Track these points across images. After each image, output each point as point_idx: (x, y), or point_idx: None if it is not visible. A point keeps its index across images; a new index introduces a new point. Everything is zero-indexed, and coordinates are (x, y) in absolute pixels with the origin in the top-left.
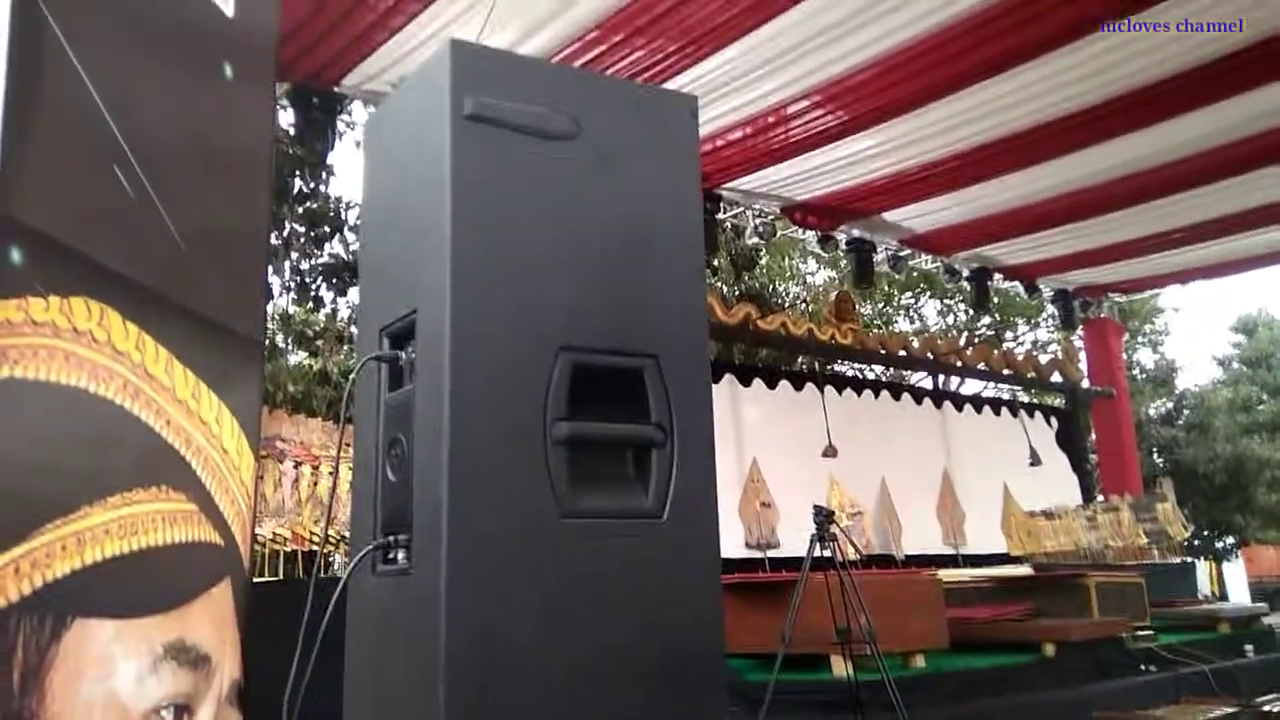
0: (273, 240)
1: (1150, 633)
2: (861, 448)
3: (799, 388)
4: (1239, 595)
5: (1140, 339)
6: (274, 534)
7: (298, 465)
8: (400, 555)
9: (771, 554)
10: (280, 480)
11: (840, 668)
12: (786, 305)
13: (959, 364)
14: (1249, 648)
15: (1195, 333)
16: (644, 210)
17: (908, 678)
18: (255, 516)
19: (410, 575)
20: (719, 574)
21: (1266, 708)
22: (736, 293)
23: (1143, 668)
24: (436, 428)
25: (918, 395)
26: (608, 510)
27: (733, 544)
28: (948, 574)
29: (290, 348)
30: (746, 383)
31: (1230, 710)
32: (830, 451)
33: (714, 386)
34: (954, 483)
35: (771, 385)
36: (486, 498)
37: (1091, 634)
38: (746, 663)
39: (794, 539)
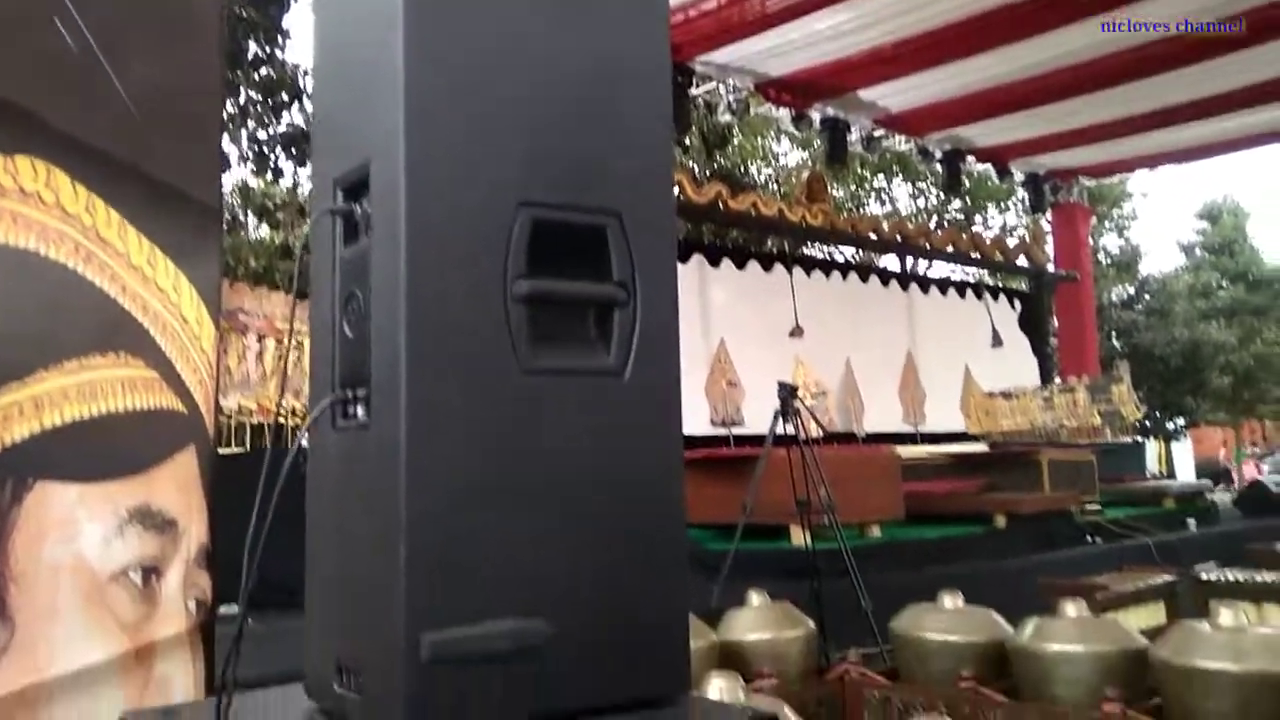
0: (228, 108)
1: (1098, 507)
2: (828, 329)
3: (768, 269)
4: (1185, 474)
5: (1107, 224)
6: (240, 406)
7: (261, 338)
8: (359, 410)
9: (736, 431)
10: (244, 353)
11: (799, 537)
12: (758, 187)
13: (928, 246)
14: (1191, 522)
15: (1161, 219)
16: (609, 60)
17: (864, 547)
18: (219, 386)
19: (369, 430)
20: (680, 430)
21: (1204, 576)
22: (707, 172)
23: (1088, 539)
24: (393, 281)
25: (885, 278)
26: (569, 368)
27: (698, 422)
28: (907, 451)
29: (251, 221)
30: (715, 263)
31: (1169, 578)
32: (797, 332)
33: (682, 267)
34: (917, 364)
35: (740, 266)
36: (445, 352)
37: (1041, 507)
38: (708, 533)
39: (758, 417)
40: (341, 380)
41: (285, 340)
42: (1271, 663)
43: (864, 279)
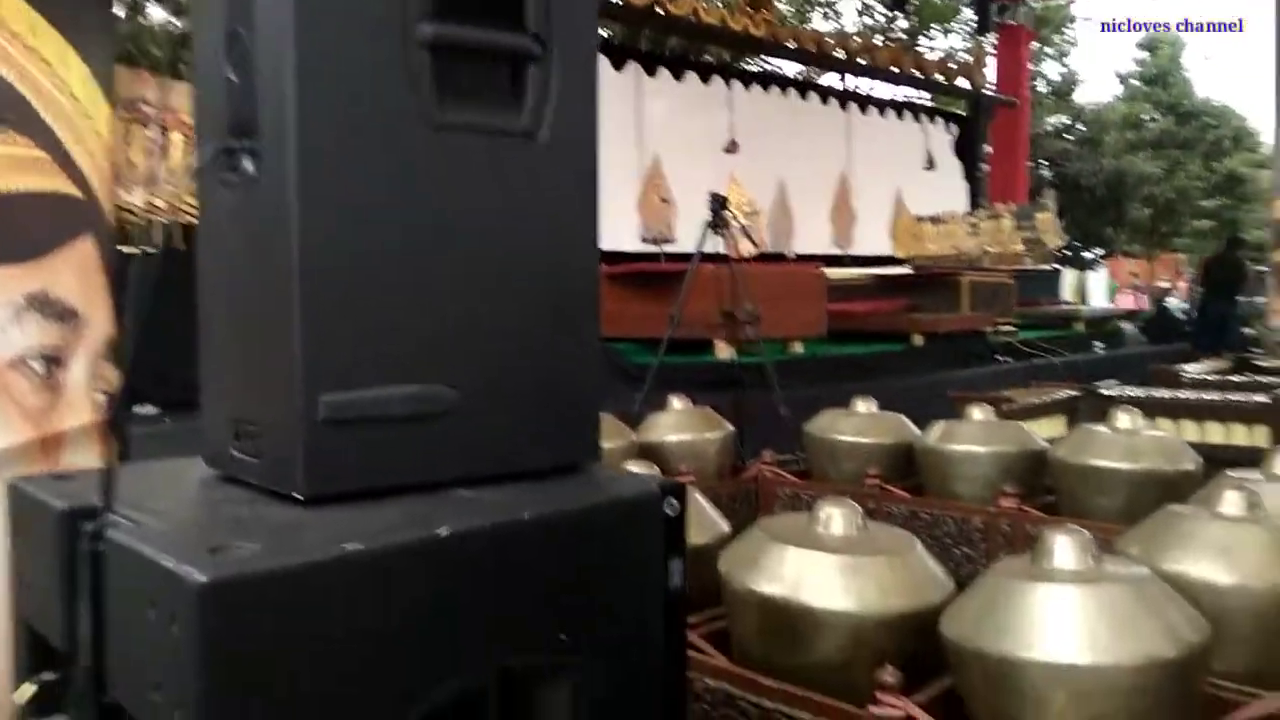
0: None
1: (1013, 328)
2: (764, 147)
3: (706, 81)
4: (1098, 302)
5: (1048, 50)
6: (147, 203)
7: (165, 131)
8: (247, 163)
9: (668, 249)
10: (149, 148)
11: (723, 351)
12: None
13: (870, 63)
14: (1099, 345)
15: (1101, 48)
16: None
17: (786, 361)
18: (117, 175)
19: (259, 183)
20: (596, 196)
21: (1104, 391)
22: None
23: (1000, 358)
24: (279, 17)
25: (825, 95)
26: (478, 125)
27: (629, 237)
28: (834, 272)
29: (151, 5)
30: (651, 72)
31: (1072, 393)
32: (733, 147)
33: (617, 75)
34: (850, 186)
35: (678, 77)
36: (340, 99)
37: (958, 327)
38: (633, 346)
39: (690, 234)
40: (229, 129)
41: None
42: (1160, 462)
43: (803, 95)
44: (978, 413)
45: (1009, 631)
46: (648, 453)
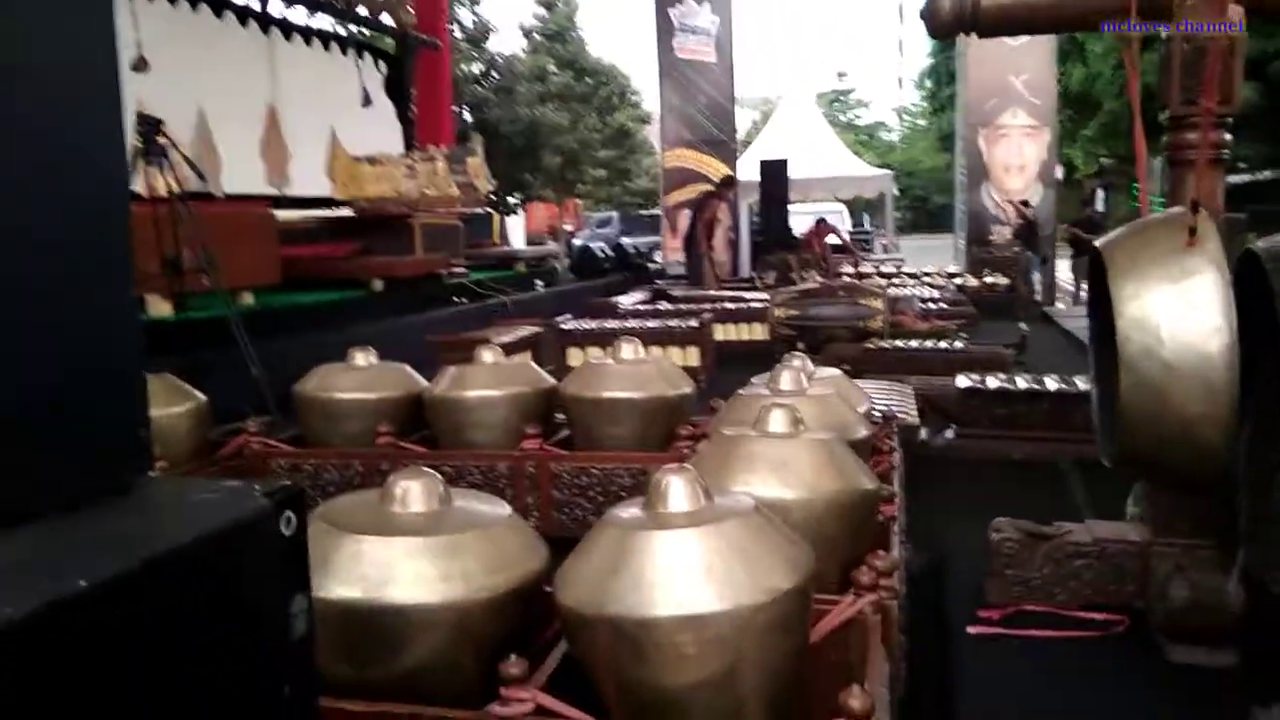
0: None
1: (464, 270)
2: (175, 68)
3: None
4: (518, 244)
5: None
6: None
7: None
8: None
9: None
10: None
11: (159, 307)
12: None
13: None
14: (539, 283)
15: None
16: None
17: (237, 314)
18: None
19: None
20: (118, 99)
21: (563, 326)
22: None
23: (456, 300)
24: None
25: (243, 17)
26: None
27: None
28: (275, 215)
29: None
30: None
31: (536, 329)
32: (141, 65)
33: None
34: (280, 119)
35: None
36: None
37: (416, 270)
38: None
39: None
40: None
41: None
42: (665, 388)
43: (218, 15)
44: (488, 354)
45: (633, 588)
46: None
